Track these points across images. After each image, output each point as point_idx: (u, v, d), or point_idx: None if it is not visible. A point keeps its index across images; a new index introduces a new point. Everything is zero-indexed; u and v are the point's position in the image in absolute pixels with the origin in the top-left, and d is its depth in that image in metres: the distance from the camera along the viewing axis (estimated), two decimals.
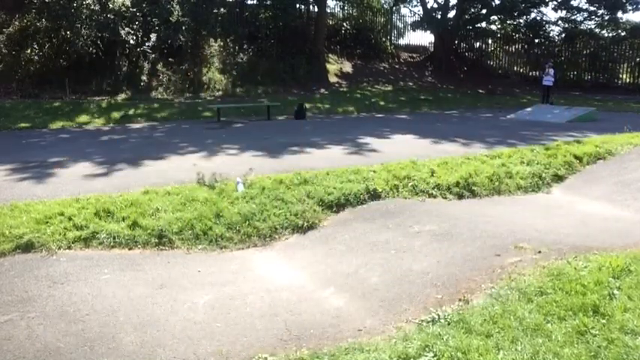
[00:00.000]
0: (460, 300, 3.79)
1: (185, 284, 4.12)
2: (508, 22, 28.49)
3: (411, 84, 23.55)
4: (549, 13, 55.88)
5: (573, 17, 26.79)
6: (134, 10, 17.72)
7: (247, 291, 4.00)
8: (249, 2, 22.37)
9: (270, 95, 18.26)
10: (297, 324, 3.51)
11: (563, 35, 27.43)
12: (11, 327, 3.40)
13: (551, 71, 17.97)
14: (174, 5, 18.68)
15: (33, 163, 7.92)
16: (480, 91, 23.51)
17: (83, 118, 13.21)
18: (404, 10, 29.73)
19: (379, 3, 28.20)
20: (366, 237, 5.18)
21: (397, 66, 26.18)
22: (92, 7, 16.99)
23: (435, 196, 6.62)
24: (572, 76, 26.40)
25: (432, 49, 28.16)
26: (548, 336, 3.12)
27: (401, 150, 9.11)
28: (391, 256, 4.70)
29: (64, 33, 16.42)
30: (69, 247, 4.75)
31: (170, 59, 18.70)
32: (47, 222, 5.05)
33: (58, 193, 6.08)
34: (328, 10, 24.52)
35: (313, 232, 5.45)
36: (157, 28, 18.32)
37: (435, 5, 26.76)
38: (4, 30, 16.10)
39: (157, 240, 4.98)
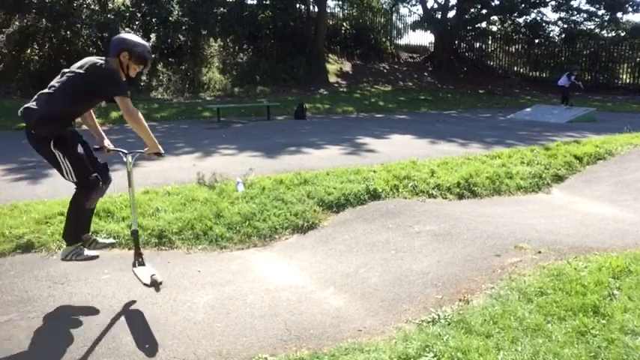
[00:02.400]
0: (460, 300, 3.79)
1: (185, 284, 4.11)
2: (508, 22, 28.52)
3: (410, 84, 23.56)
4: (549, 13, 55.76)
5: (573, 18, 26.82)
6: (134, 9, 17.73)
7: (247, 291, 4.00)
8: (249, 2, 22.39)
9: (270, 95, 18.27)
10: (297, 324, 3.51)
11: (563, 36, 27.44)
12: (11, 327, 3.40)
13: (570, 77, 17.06)
14: (174, 5, 18.69)
15: (32, 163, 7.92)
16: (480, 91, 23.52)
17: None
18: (404, 10, 29.84)
19: (379, 3, 28.22)
20: (366, 237, 5.18)
21: (397, 66, 26.19)
22: (92, 7, 17.00)
23: (435, 197, 6.62)
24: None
25: (432, 49, 28.17)
26: (548, 336, 3.12)
27: (400, 150, 9.11)
28: (391, 256, 4.70)
29: (64, 33, 16.44)
30: None
31: (170, 59, 18.71)
32: (47, 222, 5.05)
33: (58, 193, 6.08)
34: (328, 10, 24.54)
35: (313, 232, 5.44)
36: (156, 27, 18.33)
37: (435, 5, 26.81)
38: (4, 30, 16.11)
39: (156, 240, 4.98)
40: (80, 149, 3.59)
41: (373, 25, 27.18)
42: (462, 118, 15.40)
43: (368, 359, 3.00)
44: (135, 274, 3.81)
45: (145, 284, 3.69)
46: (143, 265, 3.88)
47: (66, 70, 3.56)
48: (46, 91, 3.48)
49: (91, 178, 3.53)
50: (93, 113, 3.84)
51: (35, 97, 3.47)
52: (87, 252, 3.75)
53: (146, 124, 3.53)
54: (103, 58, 3.55)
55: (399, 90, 21.72)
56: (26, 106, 3.43)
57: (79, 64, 3.53)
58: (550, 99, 20.80)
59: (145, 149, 3.74)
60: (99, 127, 3.83)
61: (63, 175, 3.57)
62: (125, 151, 3.78)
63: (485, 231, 5.23)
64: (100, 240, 3.80)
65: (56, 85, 3.50)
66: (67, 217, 3.68)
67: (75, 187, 3.62)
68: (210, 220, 5.31)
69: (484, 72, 27.09)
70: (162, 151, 3.67)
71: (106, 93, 3.47)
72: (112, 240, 3.81)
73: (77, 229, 3.70)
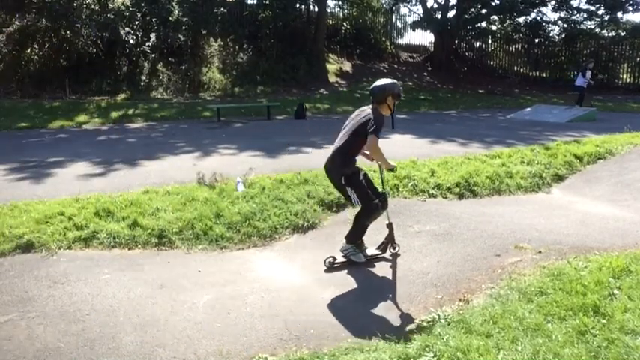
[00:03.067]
0: (460, 300, 3.80)
1: (185, 284, 4.12)
2: (508, 22, 28.50)
3: (410, 84, 23.55)
4: (549, 13, 55.74)
5: (573, 17, 26.79)
6: (134, 9, 17.72)
7: (247, 291, 4.00)
8: (249, 2, 22.36)
9: (270, 95, 18.26)
10: (297, 324, 3.51)
11: (563, 35, 27.42)
12: (11, 327, 3.40)
13: (586, 74, 16.00)
14: (174, 5, 18.68)
15: (33, 163, 7.92)
16: (480, 91, 23.52)
17: (83, 118, 13.22)
18: (404, 10, 29.76)
19: (379, 3, 28.20)
20: (366, 237, 5.17)
21: (397, 66, 26.18)
22: (92, 7, 16.99)
23: (435, 196, 6.62)
24: (572, 76, 26.39)
25: (431, 49, 28.15)
26: (548, 336, 3.12)
27: (400, 150, 9.10)
28: (391, 255, 4.70)
29: (64, 33, 16.44)
30: (69, 247, 4.75)
31: (170, 59, 18.71)
32: (47, 222, 5.05)
33: (58, 193, 6.08)
34: (328, 10, 24.51)
35: (313, 232, 5.45)
36: (156, 27, 18.33)
37: (435, 5, 26.78)
38: (4, 30, 16.11)
39: (157, 240, 4.98)
40: (363, 182, 4.45)
41: (373, 24, 27.16)
42: (461, 117, 15.40)
43: (368, 359, 3.00)
44: (366, 255, 4.60)
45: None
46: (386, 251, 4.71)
47: (348, 123, 4.47)
48: (336, 141, 4.46)
49: (373, 203, 4.38)
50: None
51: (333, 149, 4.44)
52: (361, 254, 4.56)
53: (383, 153, 4.32)
54: (372, 107, 4.38)
55: None
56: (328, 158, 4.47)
57: (358, 114, 4.43)
58: (550, 99, 20.78)
59: (384, 167, 4.55)
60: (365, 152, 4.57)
61: (351, 203, 4.57)
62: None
63: (485, 231, 5.23)
64: (367, 251, 4.64)
65: (342, 135, 4.43)
66: (352, 224, 4.58)
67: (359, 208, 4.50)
68: (210, 219, 5.31)
69: (484, 72, 27.05)
70: (394, 167, 4.48)
71: (371, 131, 4.18)
72: (376, 252, 4.68)
73: (357, 236, 4.55)
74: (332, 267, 4.44)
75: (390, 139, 10.72)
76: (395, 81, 4.51)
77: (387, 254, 4.67)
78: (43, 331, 3.35)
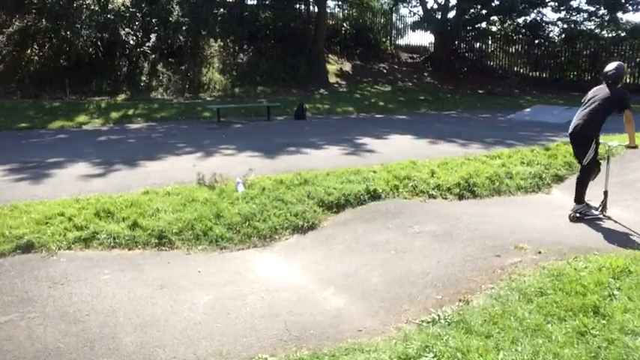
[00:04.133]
0: (460, 300, 3.79)
1: (185, 284, 4.12)
2: (508, 22, 28.49)
3: (410, 84, 23.54)
4: (549, 13, 55.70)
5: (573, 18, 26.79)
6: (134, 10, 17.72)
7: (247, 291, 4.00)
8: (249, 2, 22.35)
9: (270, 95, 18.25)
10: (297, 324, 3.51)
11: (563, 36, 27.42)
12: (11, 327, 3.40)
13: None
14: (174, 5, 18.69)
15: (33, 164, 7.92)
16: (480, 91, 23.51)
17: (83, 118, 13.21)
18: (404, 11, 29.72)
19: (379, 3, 28.20)
20: (366, 237, 5.18)
21: (397, 66, 26.16)
22: (92, 7, 17.00)
23: (435, 197, 6.62)
24: (572, 76, 26.39)
25: (431, 50, 28.15)
26: (548, 336, 3.12)
27: (400, 150, 9.11)
28: (391, 256, 4.70)
29: (64, 33, 16.44)
30: (69, 248, 4.75)
31: (170, 59, 18.69)
32: (47, 222, 5.05)
33: (58, 194, 6.09)
34: (328, 10, 24.50)
35: (313, 233, 5.44)
36: (156, 28, 18.33)
37: (435, 5, 26.76)
38: (4, 30, 16.11)
39: (157, 240, 4.98)
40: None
41: (373, 25, 27.15)
42: (461, 118, 15.40)
43: (368, 359, 3.00)
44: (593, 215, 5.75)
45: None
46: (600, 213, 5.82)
47: (590, 98, 5.77)
48: (586, 112, 5.70)
49: (597, 164, 5.80)
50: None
51: (582, 116, 5.72)
52: (594, 210, 5.80)
53: (634, 127, 5.64)
54: (610, 86, 5.68)
55: (399, 90, 21.68)
56: (578, 123, 5.71)
57: (597, 93, 5.71)
58: (550, 99, 20.79)
59: (626, 143, 5.88)
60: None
61: (583, 158, 5.74)
62: (613, 144, 6.07)
63: (485, 231, 5.23)
64: (592, 210, 5.81)
65: (592, 107, 5.65)
66: (576, 187, 5.81)
67: (580, 168, 5.86)
68: (211, 220, 5.32)
69: (484, 72, 27.02)
70: (636, 145, 5.75)
71: (623, 107, 5.60)
72: (598, 208, 5.84)
73: (582, 195, 5.76)
74: (574, 219, 5.66)
75: (390, 139, 10.73)
76: (621, 63, 5.88)
77: (600, 215, 5.76)
78: (43, 332, 3.35)
